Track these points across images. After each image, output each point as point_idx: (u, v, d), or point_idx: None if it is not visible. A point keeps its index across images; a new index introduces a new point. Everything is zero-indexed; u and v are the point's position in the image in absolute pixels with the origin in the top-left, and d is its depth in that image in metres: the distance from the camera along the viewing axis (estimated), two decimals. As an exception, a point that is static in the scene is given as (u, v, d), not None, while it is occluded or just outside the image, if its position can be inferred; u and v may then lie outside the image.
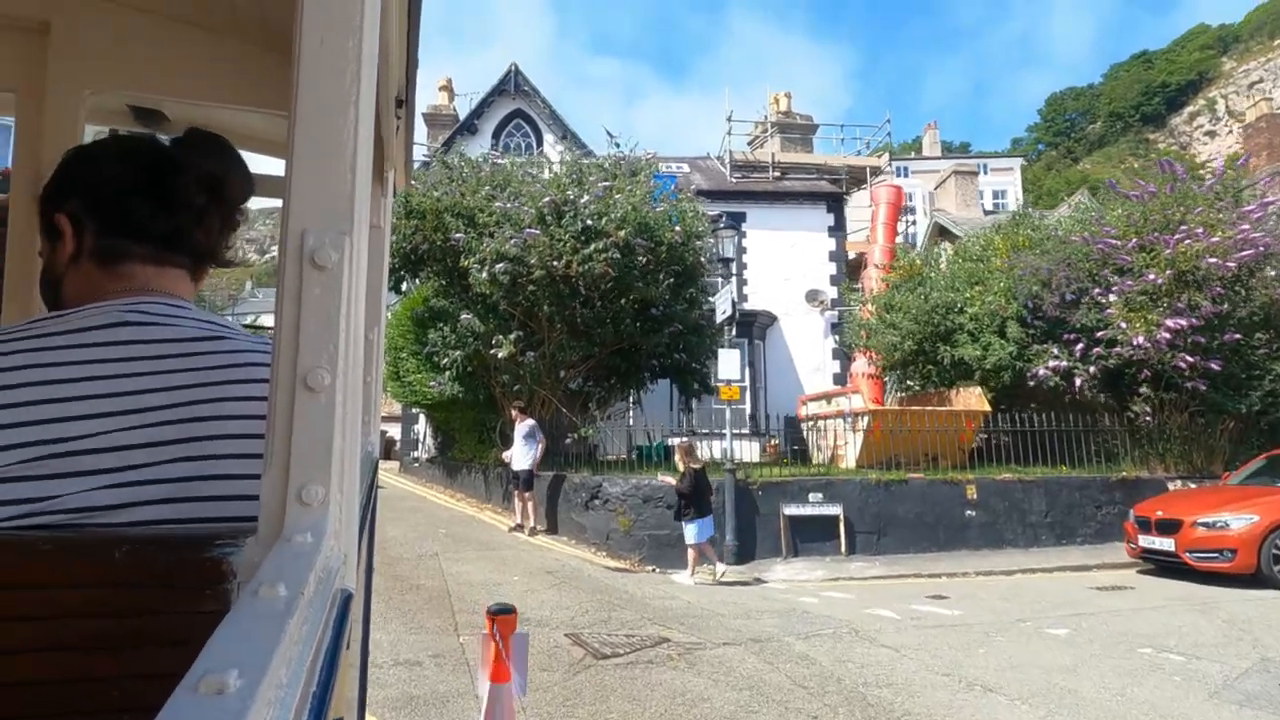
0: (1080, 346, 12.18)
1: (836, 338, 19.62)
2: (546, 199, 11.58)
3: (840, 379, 19.28)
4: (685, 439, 9.75)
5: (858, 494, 11.23)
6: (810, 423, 14.55)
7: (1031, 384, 12.43)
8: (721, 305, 11.17)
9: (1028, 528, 11.49)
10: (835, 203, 20.22)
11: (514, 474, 11.76)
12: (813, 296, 19.64)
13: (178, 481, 0.84)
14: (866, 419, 12.33)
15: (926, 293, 13.48)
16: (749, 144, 23.23)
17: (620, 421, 15.62)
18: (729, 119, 21.29)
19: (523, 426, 11.63)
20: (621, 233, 11.56)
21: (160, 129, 1.81)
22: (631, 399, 15.23)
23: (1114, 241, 12.32)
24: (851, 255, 21.16)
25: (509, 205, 11.74)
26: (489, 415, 14.60)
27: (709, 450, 17.65)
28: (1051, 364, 12.18)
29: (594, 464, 12.52)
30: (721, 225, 11.32)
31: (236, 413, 0.90)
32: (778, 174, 21.04)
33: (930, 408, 12.94)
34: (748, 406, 19.19)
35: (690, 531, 9.45)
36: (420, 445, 19.72)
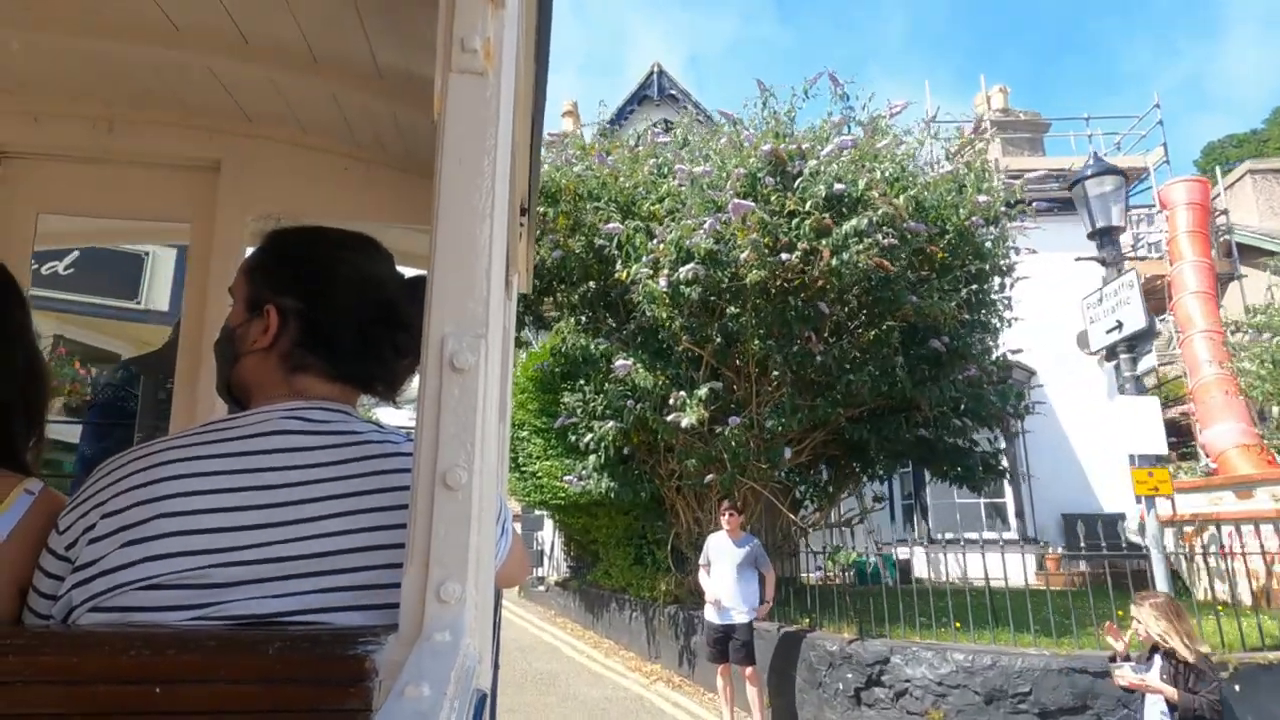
0: None
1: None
2: (765, 147, 6.75)
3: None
4: (1161, 596, 4.19)
5: None
6: (1186, 528, 8.67)
7: None
8: (1118, 314, 5.90)
9: None
10: (1105, 211, 14.46)
11: (717, 630, 6.52)
12: (1087, 342, 13.74)
13: (331, 591, 0.81)
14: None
15: None
16: (949, 157, 18.01)
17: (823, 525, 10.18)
18: (932, 120, 16.22)
19: (739, 544, 6.47)
20: (900, 199, 6.57)
21: None
22: (869, 495, 9.79)
23: None
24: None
25: (698, 170, 6.98)
26: (653, 523, 9.50)
27: (958, 567, 11.90)
28: None
29: (842, 607, 7.14)
30: (1090, 172, 6.11)
31: (382, 522, 0.86)
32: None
33: None
34: (1009, 500, 13.26)
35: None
36: (546, 561, 14.67)
